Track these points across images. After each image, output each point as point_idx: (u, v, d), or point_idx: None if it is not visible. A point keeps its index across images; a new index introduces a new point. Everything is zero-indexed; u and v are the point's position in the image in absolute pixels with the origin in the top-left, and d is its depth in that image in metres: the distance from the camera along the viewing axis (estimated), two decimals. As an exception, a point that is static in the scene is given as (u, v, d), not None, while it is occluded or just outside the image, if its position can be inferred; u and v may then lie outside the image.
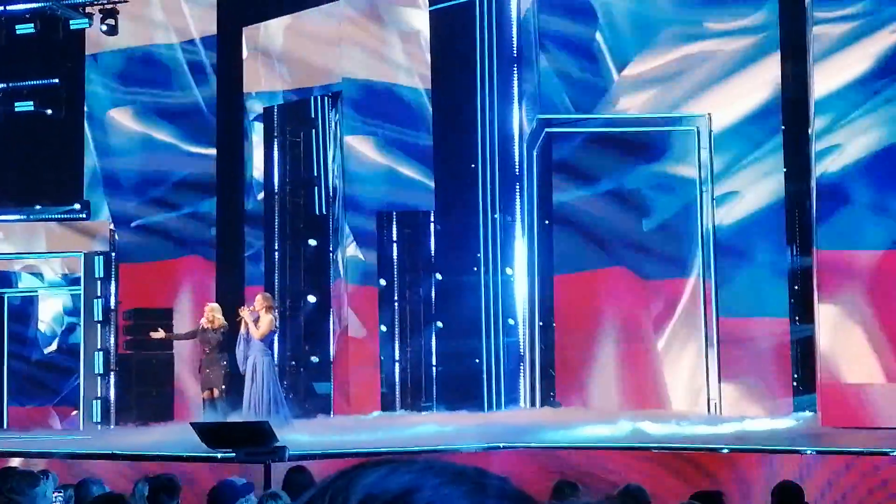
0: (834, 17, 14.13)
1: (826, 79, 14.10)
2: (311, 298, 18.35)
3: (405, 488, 2.23)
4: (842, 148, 13.96)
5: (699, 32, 15.92)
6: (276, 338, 15.32)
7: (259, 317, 14.08)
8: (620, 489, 7.76)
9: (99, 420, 17.19)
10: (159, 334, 16.17)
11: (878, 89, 13.90)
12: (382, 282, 17.93)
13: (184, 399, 17.59)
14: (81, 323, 17.38)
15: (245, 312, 14.19)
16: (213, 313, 15.11)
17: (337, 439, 12.96)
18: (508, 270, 17.47)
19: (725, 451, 11.65)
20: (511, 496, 2.28)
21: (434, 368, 17.81)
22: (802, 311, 15.09)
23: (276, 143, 18.73)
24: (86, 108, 18.69)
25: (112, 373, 17.53)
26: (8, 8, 17.56)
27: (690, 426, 13.58)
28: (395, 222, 18.11)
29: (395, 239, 18.09)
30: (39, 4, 17.53)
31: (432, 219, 18.13)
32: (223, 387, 14.97)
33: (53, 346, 18.35)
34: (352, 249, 17.74)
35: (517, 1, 17.76)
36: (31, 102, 18.32)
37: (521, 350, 17.17)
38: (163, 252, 18.47)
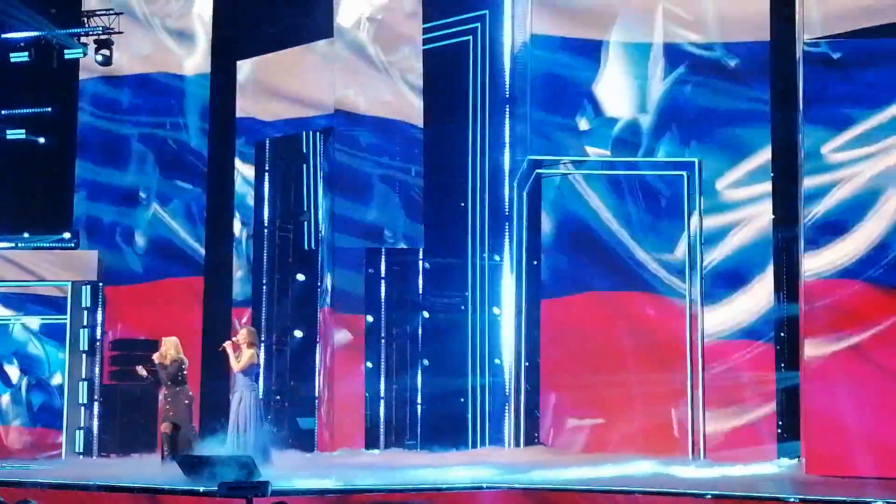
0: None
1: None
2: (298, 333, 18.31)
3: None
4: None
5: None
6: (261, 372, 15.22)
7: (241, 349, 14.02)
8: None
9: (81, 450, 17.12)
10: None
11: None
12: (369, 318, 17.91)
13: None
14: (67, 352, 17.33)
15: (228, 345, 14.10)
16: (166, 348, 14.39)
17: (320, 475, 12.91)
18: (496, 310, 17.48)
19: (709, 496, 11.62)
20: None
21: (419, 406, 17.78)
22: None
23: (266, 176, 18.74)
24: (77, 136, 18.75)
25: (96, 403, 17.48)
26: (3, 36, 17.60)
27: (674, 470, 13.55)
28: (383, 259, 18.10)
29: (383, 275, 18.08)
30: (34, 33, 17.57)
31: (421, 256, 18.14)
32: (188, 421, 14.32)
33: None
34: (339, 284, 17.73)
35: (510, 40, 17.85)
36: (23, 130, 18.34)
37: (507, 390, 17.16)
38: (148, 277, 18.43)
